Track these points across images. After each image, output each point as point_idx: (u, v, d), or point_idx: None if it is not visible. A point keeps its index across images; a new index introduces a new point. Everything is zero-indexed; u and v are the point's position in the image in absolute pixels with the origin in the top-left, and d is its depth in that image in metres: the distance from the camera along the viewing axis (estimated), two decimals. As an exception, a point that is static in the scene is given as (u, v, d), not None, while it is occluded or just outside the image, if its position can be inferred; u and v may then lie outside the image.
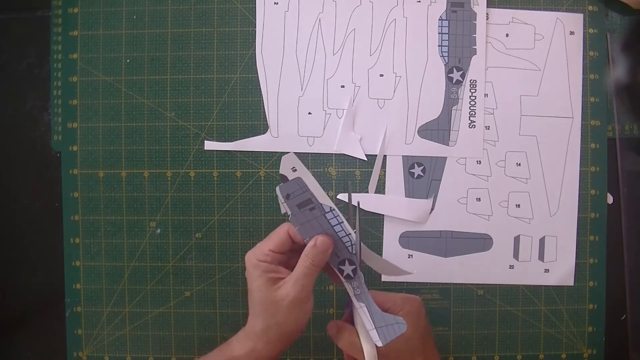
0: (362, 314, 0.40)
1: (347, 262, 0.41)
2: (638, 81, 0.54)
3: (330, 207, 0.40)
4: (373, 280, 0.55)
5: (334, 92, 0.55)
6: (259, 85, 0.55)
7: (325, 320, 0.55)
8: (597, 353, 0.56)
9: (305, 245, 0.40)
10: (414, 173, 0.55)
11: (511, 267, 0.55)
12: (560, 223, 0.55)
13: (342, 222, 0.41)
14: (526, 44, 0.55)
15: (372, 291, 0.44)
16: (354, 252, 0.41)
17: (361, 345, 0.41)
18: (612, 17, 0.56)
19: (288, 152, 0.40)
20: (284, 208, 0.40)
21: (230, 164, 0.56)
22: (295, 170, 0.39)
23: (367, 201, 0.55)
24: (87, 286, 0.56)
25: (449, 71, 0.55)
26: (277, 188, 0.40)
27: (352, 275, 0.41)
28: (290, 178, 0.39)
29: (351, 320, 0.43)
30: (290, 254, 0.42)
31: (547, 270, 0.55)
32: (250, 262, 0.40)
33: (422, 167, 0.55)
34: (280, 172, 0.40)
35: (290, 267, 0.41)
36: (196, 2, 0.56)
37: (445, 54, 0.55)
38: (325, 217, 0.40)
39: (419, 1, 0.55)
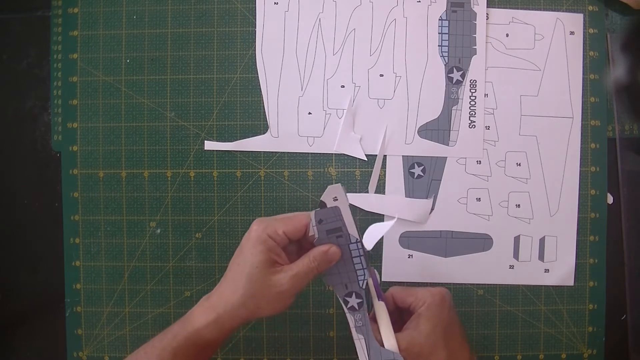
0: (359, 346, 0.41)
1: (354, 294, 0.42)
2: (638, 81, 0.54)
3: (357, 239, 0.41)
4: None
5: (334, 92, 0.55)
6: (259, 85, 0.55)
7: (326, 320, 0.56)
8: (597, 353, 0.56)
9: (313, 245, 0.41)
10: (414, 173, 0.55)
11: (511, 267, 0.55)
12: (560, 223, 0.55)
13: (362, 255, 0.42)
14: (526, 44, 0.55)
15: (394, 287, 0.44)
16: (363, 287, 0.42)
17: (382, 341, 0.40)
18: (612, 17, 0.56)
19: (335, 184, 0.41)
20: (313, 231, 0.41)
21: (230, 164, 0.56)
22: (336, 200, 0.41)
23: (367, 201, 0.55)
24: (87, 286, 0.56)
25: (449, 71, 0.55)
26: (312, 212, 0.41)
27: (356, 308, 0.42)
28: (328, 205, 0.41)
29: (372, 317, 0.43)
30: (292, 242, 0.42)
31: (547, 270, 0.55)
32: (258, 234, 0.40)
33: (422, 167, 0.55)
34: (321, 199, 0.41)
35: (287, 253, 0.41)
36: (196, 2, 0.56)
37: (445, 54, 0.55)
38: (349, 247, 0.41)
39: (419, 1, 0.55)
